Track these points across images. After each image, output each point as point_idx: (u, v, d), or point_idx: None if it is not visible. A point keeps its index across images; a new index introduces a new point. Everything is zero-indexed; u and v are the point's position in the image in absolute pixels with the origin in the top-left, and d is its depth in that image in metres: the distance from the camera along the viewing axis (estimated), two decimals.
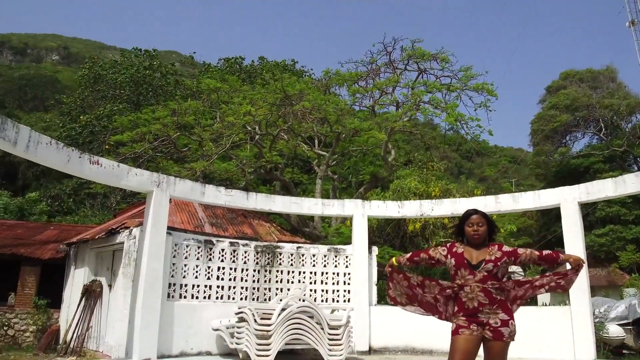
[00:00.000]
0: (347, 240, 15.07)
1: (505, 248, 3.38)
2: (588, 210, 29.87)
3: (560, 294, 9.49)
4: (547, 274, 3.54)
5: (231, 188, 10.93)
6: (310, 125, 15.87)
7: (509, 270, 4.07)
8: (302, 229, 17.06)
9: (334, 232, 20.60)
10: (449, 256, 3.44)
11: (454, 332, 3.26)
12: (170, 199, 8.66)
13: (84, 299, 10.12)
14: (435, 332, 7.72)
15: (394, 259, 3.85)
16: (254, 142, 15.84)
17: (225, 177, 15.69)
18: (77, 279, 10.76)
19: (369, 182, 21.27)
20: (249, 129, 15.55)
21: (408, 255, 3.87)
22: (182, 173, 14.69)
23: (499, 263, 3.26)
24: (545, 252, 3.45)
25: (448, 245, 3.59)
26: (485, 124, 40.09)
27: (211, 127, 15.60)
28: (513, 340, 3.25)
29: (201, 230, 10.68)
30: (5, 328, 10.85)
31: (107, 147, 19.59)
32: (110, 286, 9.66)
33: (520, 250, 3.44)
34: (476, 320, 3.20)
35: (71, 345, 9.88)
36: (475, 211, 3.52)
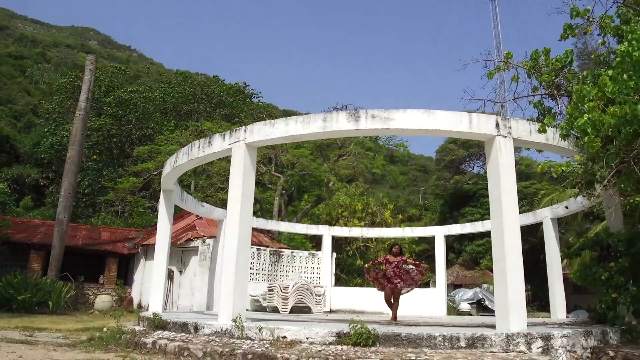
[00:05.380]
0: (298, 244, 22.98)
1: (404, 258, 10.85)
2: (474, 222, 39.45)
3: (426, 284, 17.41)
4: (414, 271, 11.09)
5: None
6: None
7: (405, 267, 11.45)
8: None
9: (285, 237, 28.03)
10: (384, 260, 10.84)
11: (385, 287, 10.63)
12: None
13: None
14: (365, 302, 15.54)
15: (366, 265, 11.28)
16: None
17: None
18: (148, 267, 17.18)
19: (314, 201, 28.84)
20: None
21: (371, 262, 11.35)
22: (196, 195, 21.31)
23: (399, 262, 10.70)
24: (416, 262, 11.06)
25: (384, 256, 11.02)
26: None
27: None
28: (401, 290, 10.74)
29: None
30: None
31: (126, 168, 25.51)
32: (180, 272, 16.27)
33: (409, 260, 10.95)
34: (390, 282, 10.61)
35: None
36: (396, 243, 11.00)
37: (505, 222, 6.78)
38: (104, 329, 8.63)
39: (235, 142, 8.08)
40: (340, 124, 7.31)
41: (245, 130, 8.04)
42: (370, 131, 7.62)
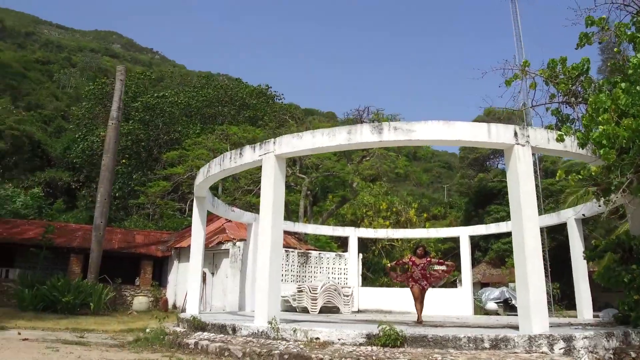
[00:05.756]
0: (323, 244, 23.42)
1: (428, 258, 11.17)
2: (499, 222, 39.29)
3: (453, 284, 17.63)
4: (440, 270, 11.43)
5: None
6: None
7: (432, 268, 11.81)
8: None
9: (311, 238, 28.53)
10: (409, 262, 11.20)
11: (412, 287, 11.01)
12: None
13: None
14: (391, 301, 15.86)
15: (389, 264, 11.66)
16: None
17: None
18: (182, 269, 17.87)
19: (339, 202, 29.25)
20: None
21: (395, 261, 11.73)
22: (224, 198, 21.95)
23: (423, 264, 11.03)
24: (440, 260, 11.38)
25: (409, 257, 11.39)
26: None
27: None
28: (427, 289, 11.08)
29: None
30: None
31: (156, 172, 26.42)
32: (213, 274, 16.89)
33: (433, 260, 11.27)
34: (417, 282, 10.97)
35: (182, 307, 17.00)
36: (421, 244, 11.34)
37: (525, 229, 7.08)
38: (147, 330, 9.22)
39: (265, 154, 8.55)
40: (364, 136, 7.70)
41: (274, 143, 8.49)
42: (393, 142, 8.03)
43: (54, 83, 79.39)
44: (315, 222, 28.23)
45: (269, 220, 8.15)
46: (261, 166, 8.68)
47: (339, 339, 6.72)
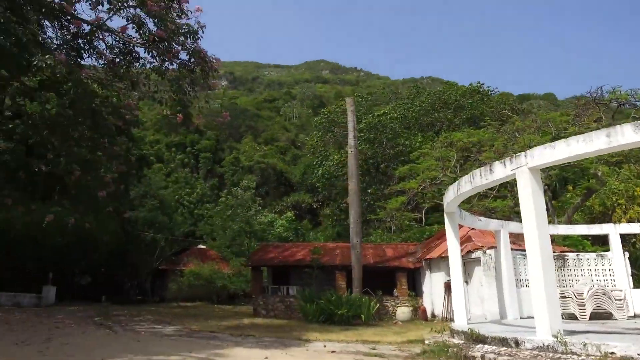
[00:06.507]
0: (574, 241, 21.57)
1: None
2: None
3: None
4: None
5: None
6: None
7: None
8: None
9: (559, 236, 26.37)
10: None
11: None
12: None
13: (445, 290, 17.98)
14: None
15: None
16: None
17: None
18: (435, 279, 18.74)
19: (584, 194, 26.70)
20: None
21: None
22: (461, 205, 22.18)
23: None
24: None
25: None
26: None
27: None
28: None
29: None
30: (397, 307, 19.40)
31: (391, 188, 28.44)
32: (466, 282, 17.29)
33: None
34: None
35: (441, 316, 17.76)
36: None
37: None
38: (426, 342, 10.14)
39: (517, 168, 8.73)
40: (626, 137, 7.28)
41: (526, 156, 8.62)
42: None
43: (281, 116, 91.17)
44: (559, 218, 26.22)
45: (534, 231, 8.29)
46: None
47: (638, 354, 6.48)
